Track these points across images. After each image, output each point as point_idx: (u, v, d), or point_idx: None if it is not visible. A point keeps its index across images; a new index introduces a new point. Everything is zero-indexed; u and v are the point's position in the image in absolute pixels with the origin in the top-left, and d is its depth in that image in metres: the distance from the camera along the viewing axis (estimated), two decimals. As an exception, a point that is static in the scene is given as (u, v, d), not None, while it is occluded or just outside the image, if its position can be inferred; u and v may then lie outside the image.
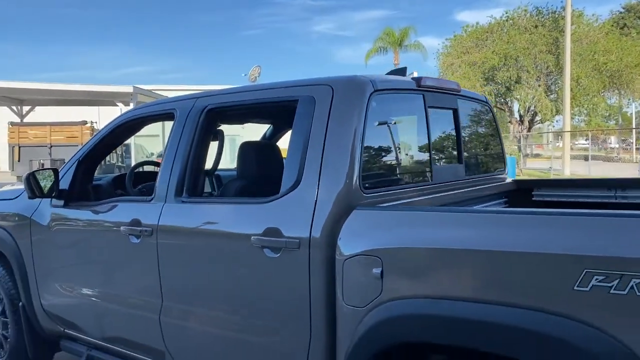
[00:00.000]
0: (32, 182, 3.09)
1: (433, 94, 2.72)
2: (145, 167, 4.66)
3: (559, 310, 1.58)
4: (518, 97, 26.11)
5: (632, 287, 1.46)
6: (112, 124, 3.23)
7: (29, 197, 3.17)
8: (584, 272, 1.53)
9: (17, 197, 3.52)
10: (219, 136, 3.15)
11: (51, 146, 17.15)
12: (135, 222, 2.73)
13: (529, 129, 28.12)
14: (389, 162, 2.57)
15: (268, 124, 4.05)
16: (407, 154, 2.70)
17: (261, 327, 2.33)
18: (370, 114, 2.25)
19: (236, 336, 2.44)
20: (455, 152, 2.97)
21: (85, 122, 17.83)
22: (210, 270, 2.51)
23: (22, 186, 3.30)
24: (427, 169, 2.68)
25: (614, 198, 3.16)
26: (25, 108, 20.75)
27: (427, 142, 2.67)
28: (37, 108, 21.23)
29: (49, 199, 3.23)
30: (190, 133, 2.69)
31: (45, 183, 3.14)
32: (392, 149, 2.55)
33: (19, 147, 17.08)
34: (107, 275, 3.03)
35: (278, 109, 3.13)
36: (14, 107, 20.36)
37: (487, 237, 1.79)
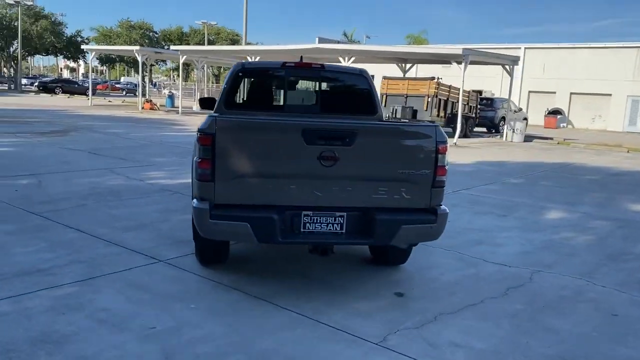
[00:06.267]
0: (201, 103, 7.48)
1: (295, 69, 5.62)
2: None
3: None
4: None
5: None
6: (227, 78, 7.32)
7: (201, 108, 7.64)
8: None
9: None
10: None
11: (407, 96, 22.07)
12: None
13: None
14: (242, 100, 5.68)
15: None
16: (262, 97, 5.72)
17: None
18: (239, 80, 5.54)
19: None
20: (315, 99, 5.72)
21: (433, 78, 21.92)
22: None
23: None
24: (280, 105, 5.67)
25: None
26: (407, 65, 26.45)
27: (284, 93, 5.67)
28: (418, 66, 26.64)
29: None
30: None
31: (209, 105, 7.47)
32: (249, 94, 5.71)
33: (386, 95, 22.64)
34: None
35: None
36: (400, 65, 26.31)
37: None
